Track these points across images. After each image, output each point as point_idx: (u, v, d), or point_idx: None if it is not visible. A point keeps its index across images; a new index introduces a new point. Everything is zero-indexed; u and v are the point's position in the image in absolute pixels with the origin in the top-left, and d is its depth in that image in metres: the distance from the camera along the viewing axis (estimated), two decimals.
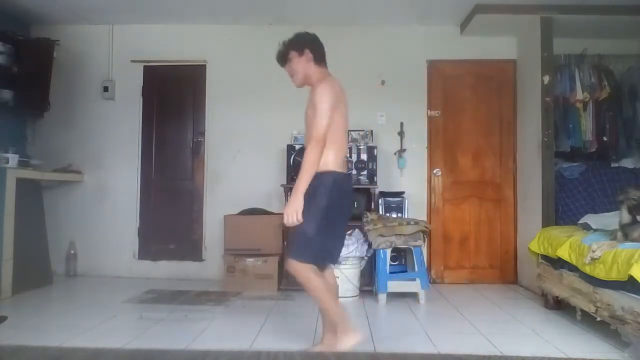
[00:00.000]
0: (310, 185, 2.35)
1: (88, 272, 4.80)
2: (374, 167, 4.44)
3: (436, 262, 4.78)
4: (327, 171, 2.41)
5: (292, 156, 4.50)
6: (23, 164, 4.23)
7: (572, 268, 3.19)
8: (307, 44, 2.55)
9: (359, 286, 4.03)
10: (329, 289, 2.48)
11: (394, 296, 3.91)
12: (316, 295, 2.41)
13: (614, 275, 2.65)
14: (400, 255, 4.19)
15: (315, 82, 2.50)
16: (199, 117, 4.98)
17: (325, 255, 2.50)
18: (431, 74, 4.89)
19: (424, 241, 4.06)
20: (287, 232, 2.77)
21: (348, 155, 4.13)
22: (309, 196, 2.35)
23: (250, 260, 4.24)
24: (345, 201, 2.57)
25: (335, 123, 2.39)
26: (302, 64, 2.53)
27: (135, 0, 4.40)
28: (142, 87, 4.99)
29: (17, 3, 4.43)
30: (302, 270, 2.39)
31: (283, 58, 2.58)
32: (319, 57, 2.56)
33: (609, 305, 2.74)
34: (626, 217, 2.88)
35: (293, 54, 2.54)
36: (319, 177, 2.38)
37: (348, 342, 2.36)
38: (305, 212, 2.33)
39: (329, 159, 2.41)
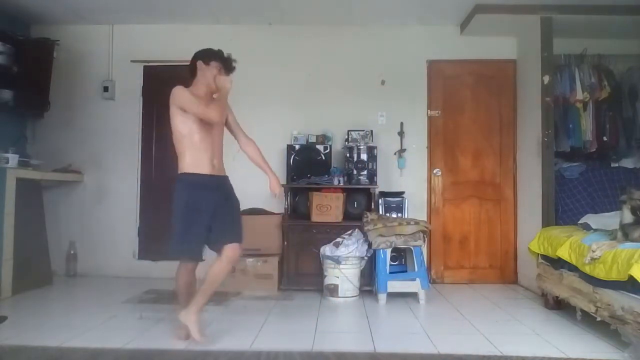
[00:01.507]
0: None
1: (88, 272, 4.80)
2: (374, 167, 4.44)
3: (436, 262, 4.78)
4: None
5: (292, 156, 4.50)
6: (23, 164, 4.23)
7: (572, 268, 3.19)
8: None
9: (359, 286, 4.03)
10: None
11: (394, 296, 3.91)
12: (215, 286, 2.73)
13: (614, 275, 2.65)
14: (400, 255, 4.18)
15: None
16: None
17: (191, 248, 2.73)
18: (431, 74, 4.89)
19: (424, 241, 4.06)
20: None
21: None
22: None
23: (250, 260, 4.24)
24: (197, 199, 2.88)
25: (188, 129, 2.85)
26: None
27: (135, 0, 4.40)
28: (142, 87, 4.99)
29: (17, 3, 4.43)
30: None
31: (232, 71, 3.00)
32: None
33: (609, 305, 2.74)
34: (628, 217, 2.88)
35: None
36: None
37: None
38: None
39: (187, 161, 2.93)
